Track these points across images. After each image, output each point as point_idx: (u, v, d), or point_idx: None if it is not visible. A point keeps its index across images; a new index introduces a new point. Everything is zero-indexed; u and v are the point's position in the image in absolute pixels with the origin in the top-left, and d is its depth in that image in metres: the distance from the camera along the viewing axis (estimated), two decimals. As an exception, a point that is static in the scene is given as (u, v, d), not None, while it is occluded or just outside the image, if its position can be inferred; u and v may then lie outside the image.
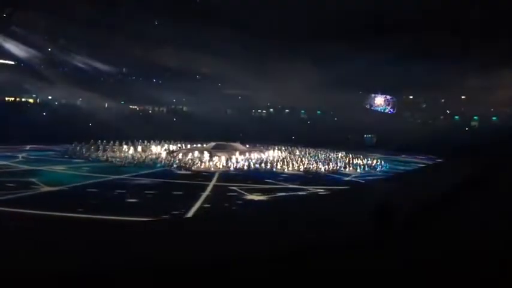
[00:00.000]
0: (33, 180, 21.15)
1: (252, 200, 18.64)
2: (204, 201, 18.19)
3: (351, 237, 11.34)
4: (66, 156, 32.75)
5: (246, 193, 20.22)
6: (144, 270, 8.46)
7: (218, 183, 23.32)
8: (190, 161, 29.74)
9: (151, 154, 33.61)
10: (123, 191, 19.61)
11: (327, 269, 8.16)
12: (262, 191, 21.05)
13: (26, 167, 26.11)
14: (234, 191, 20.94)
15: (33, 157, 32.10)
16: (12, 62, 66.39)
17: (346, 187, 23.81)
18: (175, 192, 20.28)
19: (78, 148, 34.52)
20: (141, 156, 31.79)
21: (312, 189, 22.81)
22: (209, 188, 21.33)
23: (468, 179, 24.00)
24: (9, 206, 15.27)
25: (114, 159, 30.97)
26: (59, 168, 26.42)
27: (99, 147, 34.60)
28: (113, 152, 33.91)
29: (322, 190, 22.52)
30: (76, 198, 17.93)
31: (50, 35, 69.32)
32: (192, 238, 11.86)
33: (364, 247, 9.79)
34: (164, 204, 17.65)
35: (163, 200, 18.62)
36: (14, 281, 7.68)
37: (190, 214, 15.75)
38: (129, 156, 32.14)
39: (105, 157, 31.57)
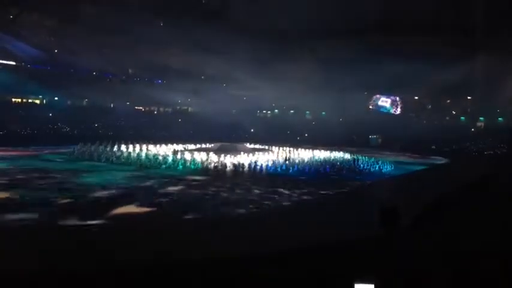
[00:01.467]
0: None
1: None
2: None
3: (354, 237, 11.45)
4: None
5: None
6: (144, 269, 8.64)
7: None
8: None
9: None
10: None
11: (330, 269, 8.26)
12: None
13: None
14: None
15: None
16: (13, 63, 66.72)
17: (349, 188, 23.77)
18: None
19: (84, 149, 34.66)
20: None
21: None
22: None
23: (470, 180, 24.04)
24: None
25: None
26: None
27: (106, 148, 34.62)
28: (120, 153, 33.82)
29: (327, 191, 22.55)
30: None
31: (56, 36, 69.79)
32: (194, 238, 12.00)
33: (367, 247, 9.88)
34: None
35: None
36: (14, 281, 7.84)
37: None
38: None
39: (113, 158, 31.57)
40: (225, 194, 19.35)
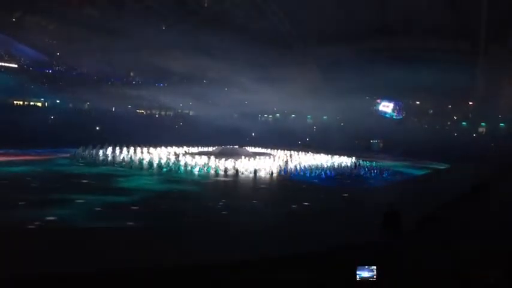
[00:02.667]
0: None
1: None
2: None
3: (360, 241, 11.42)
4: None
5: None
6: (145, 270, 8.63)
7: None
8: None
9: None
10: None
11: (337, 271, 8.24)
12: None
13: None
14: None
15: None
16: (16, 65, 66.76)
17: (354, 193, 23.89)
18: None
19: (85, 152, 34.67)
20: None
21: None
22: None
23: (472, 185, 23.99)
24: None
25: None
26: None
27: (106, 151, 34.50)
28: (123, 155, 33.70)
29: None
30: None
31: (58, 39, 69.96)
32: (198, 241, 11.98)
33: (372, 250, 9.82)
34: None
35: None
36: (14, 281, 7.82)
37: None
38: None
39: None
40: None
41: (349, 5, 61.08)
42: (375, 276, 6.81)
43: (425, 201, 19.26)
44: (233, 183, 25.35)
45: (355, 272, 6.87)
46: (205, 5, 71.75)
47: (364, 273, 6.85)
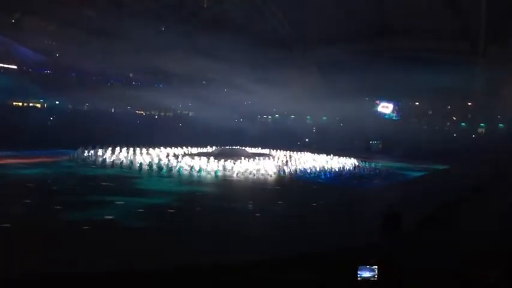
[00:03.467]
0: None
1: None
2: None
3: (361, 242, 11.43)
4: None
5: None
6: (143, 271, 8.64)
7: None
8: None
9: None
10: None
11: (338, 272, 8.24)
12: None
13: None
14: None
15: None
16: (15, 67, 66.58)
17: (355, 194, 24.08)
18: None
19: (84, 153, 34.59)
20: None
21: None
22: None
23: (472, 185, 24.03)
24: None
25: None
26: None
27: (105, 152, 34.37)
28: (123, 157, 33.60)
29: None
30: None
31: (58, 40, 69.83)
32: (198, 241, 12.00)
33: (373, 251, 9.83)
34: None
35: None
36: (14, 281, 7.82)
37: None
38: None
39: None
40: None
41: (349, 6, 61.10)
42: (376, 276, 6.84)
43: (425, 201, 19.27)
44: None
45: (356, 272, 6.89)
46: (205, 6, 71.73)
47: (365, 274, 6.87)
